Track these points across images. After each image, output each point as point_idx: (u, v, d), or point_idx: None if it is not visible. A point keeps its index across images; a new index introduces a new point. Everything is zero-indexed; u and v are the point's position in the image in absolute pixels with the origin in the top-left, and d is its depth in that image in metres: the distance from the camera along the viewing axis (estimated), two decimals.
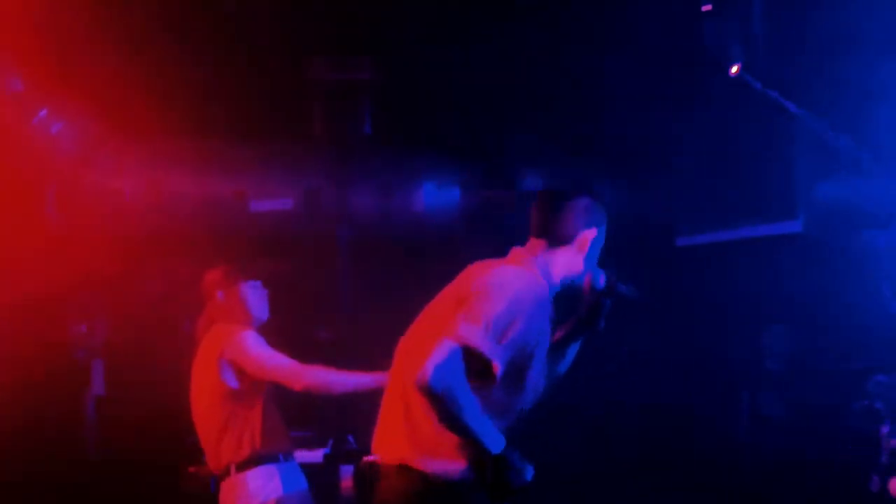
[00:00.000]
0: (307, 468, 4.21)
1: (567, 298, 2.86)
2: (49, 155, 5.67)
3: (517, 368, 2.63)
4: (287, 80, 5.51)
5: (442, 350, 2.50)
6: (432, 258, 5.34)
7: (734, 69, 5.54)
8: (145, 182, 6.07)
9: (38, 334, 5.66)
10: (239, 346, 3.79)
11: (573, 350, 2.95)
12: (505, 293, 2.61)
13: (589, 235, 2.78)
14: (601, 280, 2.82)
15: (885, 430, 4.58)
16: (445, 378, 2.47)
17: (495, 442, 2.55)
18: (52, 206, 5.85)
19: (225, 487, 3.83)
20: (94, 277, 5.83)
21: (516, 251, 2.81)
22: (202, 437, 3.94)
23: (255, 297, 4.03)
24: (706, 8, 5.29)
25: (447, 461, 2.61)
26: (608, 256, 2.93)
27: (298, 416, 4.35)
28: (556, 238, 2.77)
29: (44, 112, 5.52)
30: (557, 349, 2.88)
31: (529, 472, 2.59)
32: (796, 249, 5.89)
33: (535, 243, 2.80)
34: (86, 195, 5.93)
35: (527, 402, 2.75)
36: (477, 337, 2.53)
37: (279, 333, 4.07)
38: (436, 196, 6.28)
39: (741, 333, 6.05)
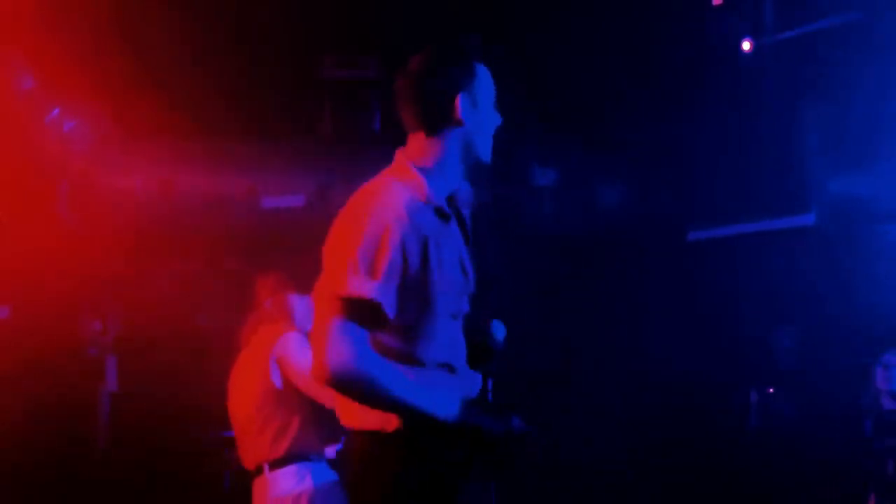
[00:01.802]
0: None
1: None
2: (62, 153, 5.70)
3: (422, 301, 2.24)
4: (297, 79, 5.52)
5: (328, 333, 2.16)
6: None
7: (746, 46, 5.50)
8: (157, 180, 6.09)
9: (51, 331, 5.69)
10: (285, 347, 3.79)
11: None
12: (358, 224, 2.22)
13: (461, 104, 2.34)
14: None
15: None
16: (346, 363, 2.14)
17: (445, 405, 2.23)
18: (64, 204, 5.88)
19: (257, 485, 3.85)
20: (107, 274, 5.86)
21: (396, 157, 2.39)
22: (239, 434, 3.95)
23: (302, 308, 4.03)
24: (717, 2, 5.28)
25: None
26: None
27: None
28: (425, 127, 2.35)
29: (56, 111, 5.55)
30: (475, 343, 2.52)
31: (508, 421, 2.26)
32: (809, 243, 5.88)
33: (412, 139, 2.38)
34: (98, 193, 5.96)
35: (455, 335, 2.35)
36: (346, 284, 2.16)
37: None
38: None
39: (752, 328, 6.04)
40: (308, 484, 3.78)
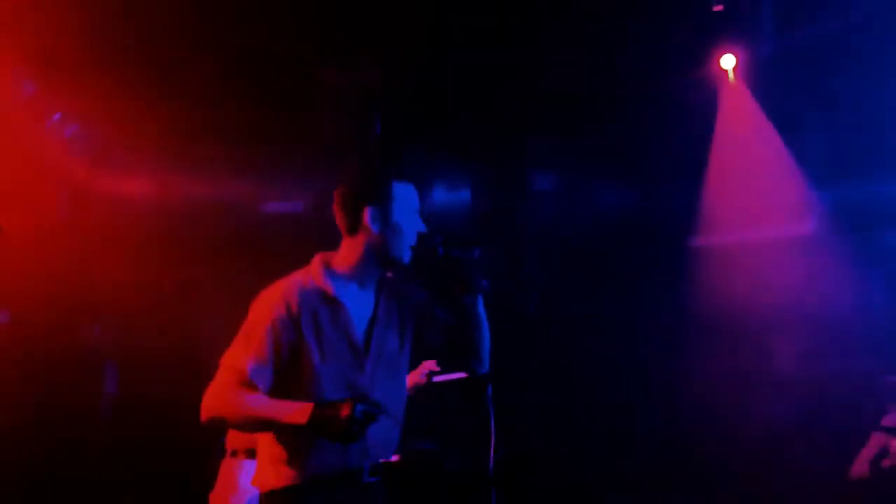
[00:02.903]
0: None
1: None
2: (62, 158, 5.71)
3: (306, 371, 2.74)
4: (297, 85, 5.53)
5: (208, 389, 2.75)
6: None
7: (726, 61, 5.51)
8: (158, 185, 6.09)
9: (51, 336, 5.69)
10: None
11: (478, 315, 2.95)
12: (252, 312, 2.79)
13: (367, 216, 2.82)
14: (439, 250, 2.88)
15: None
16: (213, 404, 2.72)
17: (298, 413, 2.63)
18: (65, 209, 5.89)
19: (224, 467, 3.87)
20: (107, 280, 5.86)
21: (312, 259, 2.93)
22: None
23: None
24: (717, 8, 5.29)
25: (262, 472, 2.83)
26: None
27: None
28: (345, 230, 2.87)
29: (58, 116, 5.55)
30: (463, 318, 2.93)
31: (359, 404, 2.63)
32: (809, 251, 5.88)
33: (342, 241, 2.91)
34: (99, 199, 5.97)
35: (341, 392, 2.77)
36: (233, 359, 2.72)
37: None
38: (446, 198, 6.29)
39: (752, 335, 6.04)
40: None
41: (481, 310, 2.96)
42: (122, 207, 5.98)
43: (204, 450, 4.29)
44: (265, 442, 2.83)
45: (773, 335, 6.12)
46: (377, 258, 2.85)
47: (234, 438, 3.95)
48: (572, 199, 6.46)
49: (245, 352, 2.73)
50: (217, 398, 2.72)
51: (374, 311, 2.89)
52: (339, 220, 2.88)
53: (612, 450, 5.88)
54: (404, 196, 2.89)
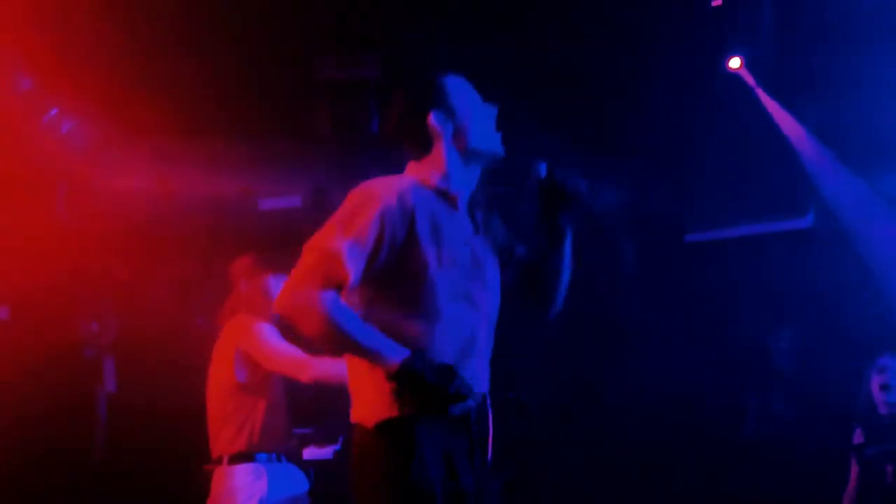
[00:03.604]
0: (317, 465, 4.22)
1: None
2: (59, 154, 5.69)
3: (417, 275, 2.40)
4: (295, 79, 5.52)
5: (295, 275, 2.37)
6: None
7: (734, 62, 5.52)
8: (155, 181, 6.08)
9: (48, 332, 5.68)
10: (253, 337, 3.81)
11: (565, 251, 2.71)
12: (350, 197, 2.44)
13: (433, 121, 2.55)
14: (542, 170, 2.68)
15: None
16: (293, 296, 2.34)
17: (389, 358, 2.32)
18: (62, 205, 5.88)
19: (215, 476, 3.87)
20: (105, 275, 5.86)
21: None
22: (208, 424, 3.97)
23: (279, 288, 4.03)
24: (716, 3, 5.28)
25: (370, 404, 2.43)
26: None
27: (309, 412, 4.36)
28: (417, 151, 2.59)
29: (54, 111, 5.54)
30: (543, 254, 2.69)
31: (449, 376, 2.32)
32: (806, 246, 5.88)
33: (414, 166, 2.61)
34: (96, 194, 5.95)
35: (468, 319, 2.47)
36: (324, 239, 2.35)
37: (285, 331, 4.08)
38: None
39: (749, 330, 6.04)
40: (262, 490, 3.78)
41: (569, 246, 2.70)
42: (120, 203, 5.97)
43: (203, 445, 4.29)
44: (364, 372, 2.43)
45: (771, 331, 6.13)
46: (466, 160, 2.58)
47: (214, 444, 3.92)
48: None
49: (342, 231, 2.34)
50: (299, 290, 2.33)
51: (475, 224, 2.61)
52: (407, 144, 2.59)
53: (608, 445, 5.88)
54: (457, 87, 2.64)
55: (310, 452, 4.61)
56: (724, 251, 6.21)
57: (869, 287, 5.61)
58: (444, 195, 2.53)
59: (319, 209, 6.23)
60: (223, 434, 3.87)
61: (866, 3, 4.91)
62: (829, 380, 5.39)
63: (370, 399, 2.43)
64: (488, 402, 2.55)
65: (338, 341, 2.36)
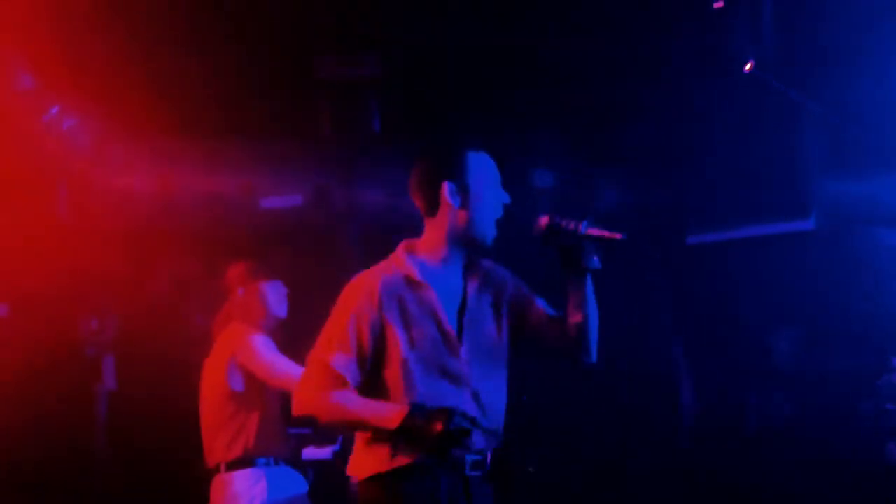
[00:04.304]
0: (316, 465, 4.22)
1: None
2: (60, 153, 5.69)
3: (396, 358, 2.66)
4: (296, 79, 5.51)
5: (301, 380, 2.73)
6: None
7: (748, 66, 5.52)
8: (156, 179, 6.08)
9: (49, 331, 5.69)
10: (248, 350, 3.82)
11: (584, 297, 2.81)
12: (336, 305, 2.74)
13: (445, 191, 2.73)
14: (542, 223, 2.75)
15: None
16: (303, 400, 2.68)
17: (388, 419, 2.59)
18: (62, 204, 5.88)
19: (214, 484, 3.88)
20: (105, 274, 5.85)
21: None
22: (202, 432, 3.97)
23: (274, 295, 4.05)
24: (718, 5, 5.27)
25: (361, 460, 2.72)
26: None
27: None
28: (424, 211, 2.80)
29: (55, 109, 5.53)
30: (567, 300, 2.80)
31: (455, 418, 2.55)
32: (808, 247, 5.87)
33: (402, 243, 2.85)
34: (96, 193, 5.95)
35: (448, 393, 2.68)
36: (319, 352, 2.68)
37: (286, 329, 4.08)
38: None
39: (751, 332, 6.03)
40: (262, 493, 3.80)
41: (590, 292, 2.83)
42: (121, 202, 5.97)
43: (201, 444, 4.29)
44: (358, 434, 2.75)
45: (772, 332, 6.12)
46: (461, 237, 2.75)
47: (210, 452, 3.93)
48: (572, 196, 6.45)
49: (329, 346, 2.67)
50: (307, 395, 2.67)
51: (464, 296, 2.77)
52: (419, 201, 2.79)
53: (608, 446, 5.87)
54: (481, 166, 2.79)
55: (308, 453, 4.61)
56: (726, 253, 6.20)
57: (870, 288, 5.60)
58: (408, 279, 2.72)
59: (320, 208, 6.23)
60: (219, 441, 3.88)
61: (867, 4, 4.90)
62: (830, 380, 5.39)
63: (358, 454, 2.73)
64: (488, 459, 2.72)
65: (346, 426, 2.87)
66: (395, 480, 2.63)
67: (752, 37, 5.47)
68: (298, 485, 4.00)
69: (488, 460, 2.71)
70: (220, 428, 3.88)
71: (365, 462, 2.69)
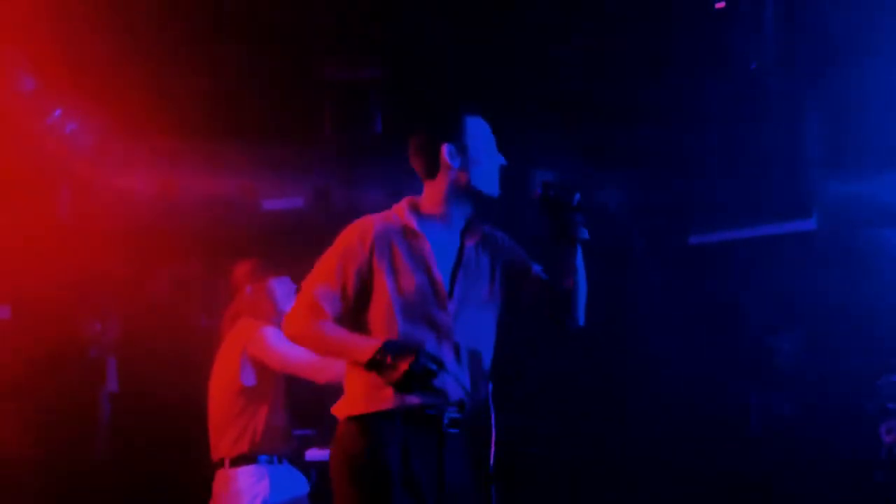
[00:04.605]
0: (319, 467, 4.22)
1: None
2: (63, 154, 5.70)
3: (384, 303, 2.77)
4: (297, 80, 5.52)
5: (291, 309, 2.87)
6: None
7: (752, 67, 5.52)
8: (158, 181, 6.09)
9: (52, 332, 5.69)
10: (261, 342, 3.84)
11: (574, 266, 2.89)
12: (333, 244, 2.87)
13: (445, 152, 2.87)
14: (537, 191, 2.86)
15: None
16: (288, 325, 2.84)
17: (361, 350, 2.70)
18: (65, 205, 5.89)
19: (217, 479, 3.90)
20: (108, 276, 5.86)
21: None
22: (209, 428, 3.98)
23: (283, 292, 4.06)
24: (719, 6, 5.27)
25: (346, 400, 2.84)
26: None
27: (311, 414, 4.37)
28: (425, 174, 2.92)
29: (58, 112, 5.54)
30: (557, 268, 2.88)
31: (421, 358, 2.63)
32: (810, 248, 5.87)
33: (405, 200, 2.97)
34: (99, 195, 5.96)
35: (427, 340, 2.77)
36: (306, 283, 2.83)
37: None
38: None
39: (753, 332, 6.03)
40: (265, 491, 3.81)
41: (580, 261, 2.90)
42: (123, 204, 5.97)
43: (205, 445, 4.29)
44: (348, 372, 2.85)
45: (774, 332, 6.12)
46: (463, 194, 2.87)
47: (216, 448, 3.95)
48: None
49: (315, 278, 2.81)
50: (293, 322, 2.82)
51: (460, 252, 2.89)
52: (418, 165, 2.93)
53: (611, 447, 5.87)
54: (478, 129, 2.94)
55: (311, 454, 4.62)
56: (729, 253, 6.20)
57: (873, 288, 5.59)
58: (405, 229, 2.84)
59: (322, 210, 6.23)
60: (226, 437, 3.89)
61: (868, 5, 4.90)
62: (833, 381, 5.38)
63: (348, 396, 2.84)
64: (466, 410, 2.82)
65: (325, 353, 2.95)
66: (370, 424, 2.74)
67: (753, 37, 5.47)
68: (300, 485, 4.01)
69: (465, 413, 2.80)
70: (228, 424, 3.89)
71: (346, 403, 2.81)
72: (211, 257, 5.92)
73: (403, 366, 2.61)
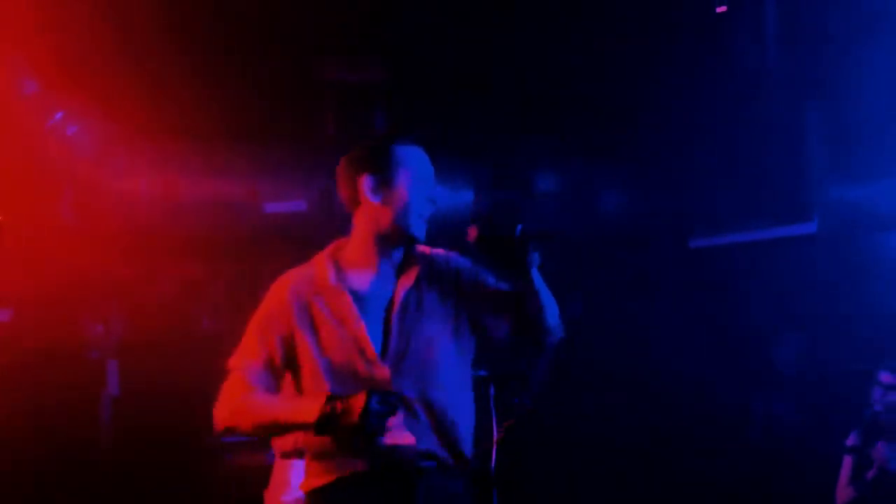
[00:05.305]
0: None
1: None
2: (64, 157, 5.71)
3: (310, 364, 2.53)
4: (299, 82, 5.53)
5: (221, 390, 2.60)
6: None
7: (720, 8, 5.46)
8: (160, 184, 6.09)
9: (53, 334, 5.70)
10: None
11: (534, 289, 2.53)
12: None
13: (363, 185, 2.55)
14: (472, 235, 2.51)
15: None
16: (217, 414, 2.56)
17: (305, 411, 2.41)
18: (67, 208, 5.89)
19: (277, 465, 3.94)
20: (110, 278, 5.86)
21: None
22: None
23: None
24: (721, 9, 5.28)
25: (307, 474, 2.60)
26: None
27: None
28: (347, 206, 2.63)
29: (60, 115, 5.55)
30: (520, 297, 2.55)
31: (374, 394, 2.36)
32: (811, 251, 5.87)
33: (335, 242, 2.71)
34: (101, 197, 5.96)
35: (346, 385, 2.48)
36: (231, 362, 2.59)
37: None
38: (448, 197, 6.28)
39: (754, 335, 6.04)
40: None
41: (539, 283, 2.53)
42: (125, 206, 5.98)
43: (205, 449, 4.30)
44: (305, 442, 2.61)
45: (776, 336, 6.12)
46: (383, 235, 2.55)
47: (279, 440, 3.96)
48: (574, 200, 6.46)
49: (239, 353, 2.58)
50: (223, 406, 2.54)
51: (393, 296, 2.55)
52: (341, 195, 2.62)
53: (612, 450, 5.87)
54: (409, 160, 2.59)
55: None
56: (729, 256, 6.20)
57: (874, 292, 5.60)
58: (321, 283, 2.57)
59: (324, 213, 6.23)
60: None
61: (869, 6, 4.91)
62: (833, 384, 5.38)
63: (307, 470, 2.60)
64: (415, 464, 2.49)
65: (265, 430, 2.61)
66: (336, 492, 2.49)
67: (755, 42, 5.48)
68: None
69: (440, 462, 2.49)
70: None
71: (307, 475, 2.57)
72: (213, 260, 5.92)
73: (359, 403, 2.32)
